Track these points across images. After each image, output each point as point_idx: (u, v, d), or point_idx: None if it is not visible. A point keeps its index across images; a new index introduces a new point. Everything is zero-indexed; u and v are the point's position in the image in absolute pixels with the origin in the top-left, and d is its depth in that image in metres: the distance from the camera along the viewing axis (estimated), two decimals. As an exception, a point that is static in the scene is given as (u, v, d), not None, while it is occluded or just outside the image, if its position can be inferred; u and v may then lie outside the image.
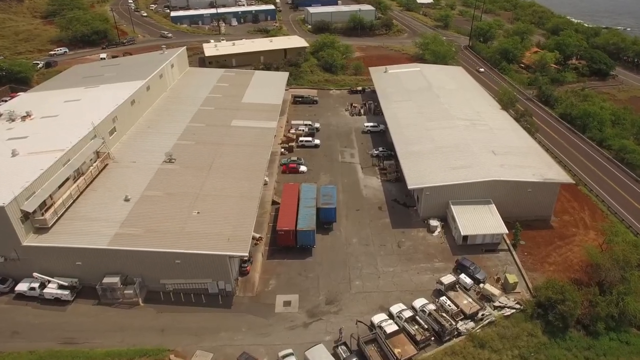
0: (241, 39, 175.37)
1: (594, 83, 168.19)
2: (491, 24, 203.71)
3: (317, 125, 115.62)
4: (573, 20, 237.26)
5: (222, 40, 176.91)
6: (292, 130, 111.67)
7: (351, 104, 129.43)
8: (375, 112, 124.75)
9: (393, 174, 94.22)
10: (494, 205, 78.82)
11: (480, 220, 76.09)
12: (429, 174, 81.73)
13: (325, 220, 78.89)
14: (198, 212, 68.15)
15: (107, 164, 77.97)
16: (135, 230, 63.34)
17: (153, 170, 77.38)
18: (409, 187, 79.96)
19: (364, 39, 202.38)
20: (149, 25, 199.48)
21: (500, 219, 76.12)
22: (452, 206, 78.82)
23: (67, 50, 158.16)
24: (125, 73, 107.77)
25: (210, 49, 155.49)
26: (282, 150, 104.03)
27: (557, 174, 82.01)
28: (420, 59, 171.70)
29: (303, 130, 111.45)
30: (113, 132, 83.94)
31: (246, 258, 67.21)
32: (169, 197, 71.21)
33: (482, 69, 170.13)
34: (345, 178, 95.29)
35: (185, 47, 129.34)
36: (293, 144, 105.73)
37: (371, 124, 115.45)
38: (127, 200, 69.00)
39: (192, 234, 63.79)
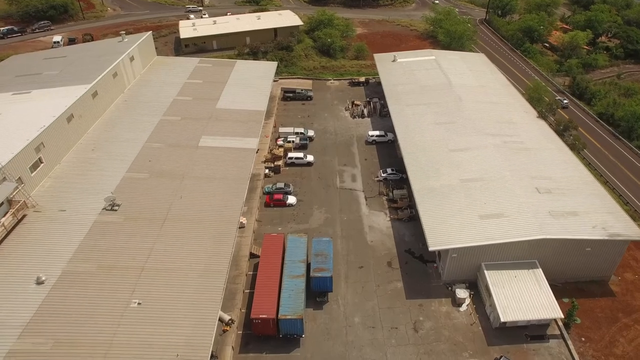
0: (226, 14, 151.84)
1: (630, 67, 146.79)
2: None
3: (310, 133, 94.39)
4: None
5: (205, 15, 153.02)
6: (280, 141, 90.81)
7: (352, 102, 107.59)
8: (382, 113, 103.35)
9: (406, 211, 74.21)
10: (540, 269, 59.56)
11: (523, 296, 56.84)
12: (456, 226, 61.62)
13: (319, 290, 59.70)
14: (139, 303, 48.67)
15: (24, 216, 57.84)
16: (42, 342, 43.86)
17: (86, 226, 57.23)
18: (431, 248, 59.87)
19: (367, 10, 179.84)
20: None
21: (552, 294, 56.96)
22: (485, 271, 59.48)
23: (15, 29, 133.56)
24: (70, 70, 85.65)
25: (187, 28, 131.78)
26: (267, 171, 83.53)
27: (625, 227, 61.66)
28: (431, 37, 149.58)
29: (293, 141, 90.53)
30: (37, 166, 63.15)
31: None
32: (101, 274, 51.42)
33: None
34: (344, 214, 75.35)
35: (150, 32, 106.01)
36: (280, 162, 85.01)
37: (377, 132, 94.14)
38: (40, 282, 49.30)
39: (125, 346, 44.51)
